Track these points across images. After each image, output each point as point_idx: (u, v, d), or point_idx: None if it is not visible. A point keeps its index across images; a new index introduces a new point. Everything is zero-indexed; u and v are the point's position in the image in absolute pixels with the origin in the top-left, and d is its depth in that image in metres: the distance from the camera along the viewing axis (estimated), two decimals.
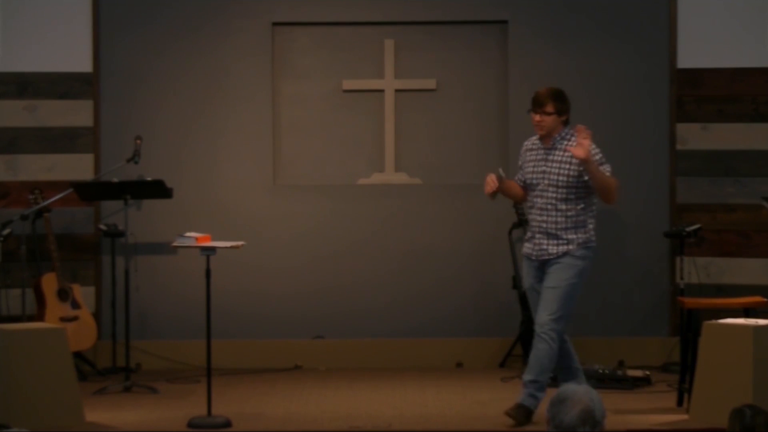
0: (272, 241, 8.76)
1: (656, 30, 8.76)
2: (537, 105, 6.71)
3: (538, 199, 6.67)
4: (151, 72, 8.80)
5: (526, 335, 8.43)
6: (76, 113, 8.70)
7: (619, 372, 7.86)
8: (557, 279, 6.60)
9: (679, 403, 7.14)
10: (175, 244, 7.04)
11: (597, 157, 6.58)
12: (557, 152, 6.67)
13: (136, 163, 8.39)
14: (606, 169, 6.61)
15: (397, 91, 8.89)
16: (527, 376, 6.62)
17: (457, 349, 8.73)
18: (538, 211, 6.66)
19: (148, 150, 8.55)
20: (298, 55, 8.96)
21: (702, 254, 8.65)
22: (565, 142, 6.67)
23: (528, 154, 6.83)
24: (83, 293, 8.42)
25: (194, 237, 6.94)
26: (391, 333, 8.67)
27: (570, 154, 6.58)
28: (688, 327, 7.13)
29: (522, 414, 6.58)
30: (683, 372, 7.12)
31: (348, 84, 8.91)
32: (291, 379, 8.36)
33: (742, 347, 6.46)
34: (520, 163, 6.91)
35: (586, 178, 6.58)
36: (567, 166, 6.63)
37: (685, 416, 6.85)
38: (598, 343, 8.67)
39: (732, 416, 4.01)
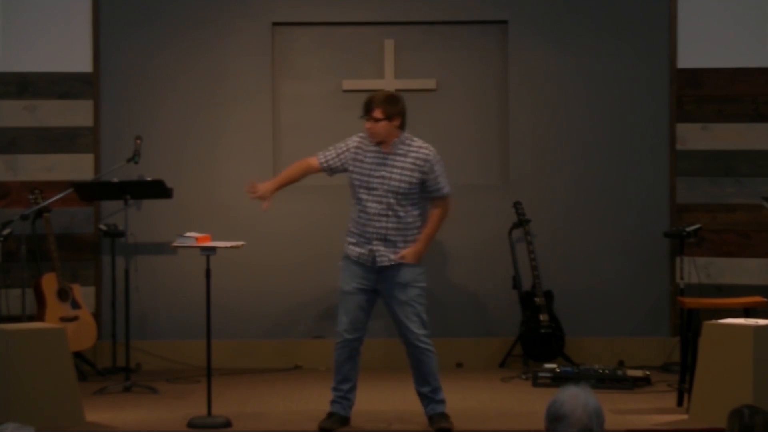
0: (272, 241, 8.76)
1: (656, 30, 8.76)
2: (366, 110, 6.56)
3: (375, 204, 6.52)
4: (151, 72, 8.80)
5: (526, 335, 8.43)
6: (76, 113, 8.70)
7: (619, 372, 7.86)
8: (414, 291, 6.60)
9: (679, 403, 7.14)
10: (175, 244, 7.04)
11: (440, 175, 6.53)
12: (398, 158, 6.53)
13: (136, 163, 8.39)
14: (445, 183, 6.56)
15: (397, 91, 8.87)
16: (425, 388, 6.69)
17: (457, 349, 8.72)
18: (375, 217, 6.52)
19: (148, 150, 8.55)
20: (298, 55, 8.96)
21: (702, 254, 8.65)
22: (405, 148, 6.53)
23: (360, 151, 6.61)
24: (83, 293, 8.41)
25: (194, 237, 6.94)
26: (391, 333, 8.64)
27: (410, 160, 6.49)
28: (688, 327, 7.13)
29: (445, 420, 6.64)
30: (683, 372, 7.12)
31: (348, 84, 8.91)
32: (291, 379, 8.36)
33: (742, 347, 6.46)
34: (343, 148, 6.66)
35: (421, 183, 6.51)
36: (408, 173, 6.50)
37: (685, 416, 6.85)
38: (598, 343, 8.68)
39: (730, 416, 4.01)
